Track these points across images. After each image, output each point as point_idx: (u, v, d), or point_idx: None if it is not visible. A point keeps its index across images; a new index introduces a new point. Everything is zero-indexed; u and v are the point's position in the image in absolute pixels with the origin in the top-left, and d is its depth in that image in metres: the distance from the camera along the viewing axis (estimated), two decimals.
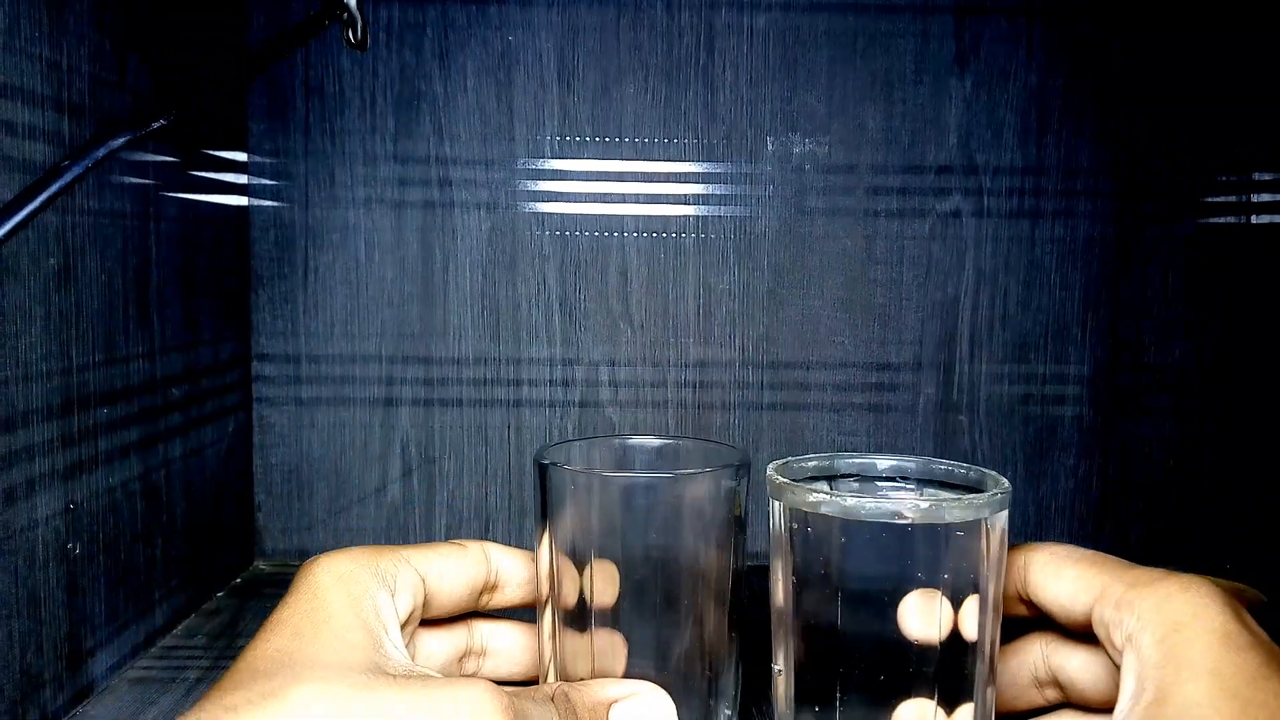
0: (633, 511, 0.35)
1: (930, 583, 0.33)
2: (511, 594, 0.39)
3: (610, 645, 0.36)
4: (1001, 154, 0.62)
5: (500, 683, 0.31)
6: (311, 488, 0.62)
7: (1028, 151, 0.62)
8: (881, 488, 0.39)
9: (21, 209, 0.31)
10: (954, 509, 0.33)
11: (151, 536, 0.49)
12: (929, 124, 0.62)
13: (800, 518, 0.34)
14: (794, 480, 0.36)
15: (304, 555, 0.63)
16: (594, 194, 0.62)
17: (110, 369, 0.45)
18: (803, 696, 0.35)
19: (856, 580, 0.33)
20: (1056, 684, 0.37)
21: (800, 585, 0.34)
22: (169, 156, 0.51)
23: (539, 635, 0.38)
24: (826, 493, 0.34)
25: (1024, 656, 0.37)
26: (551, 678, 0.37)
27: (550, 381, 0.63)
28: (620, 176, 0.62)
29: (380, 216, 0.61)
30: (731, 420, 0.63)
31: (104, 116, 0.43)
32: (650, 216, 0.62)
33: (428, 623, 0.38)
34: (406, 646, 0.34)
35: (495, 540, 0.62)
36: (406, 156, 0.61)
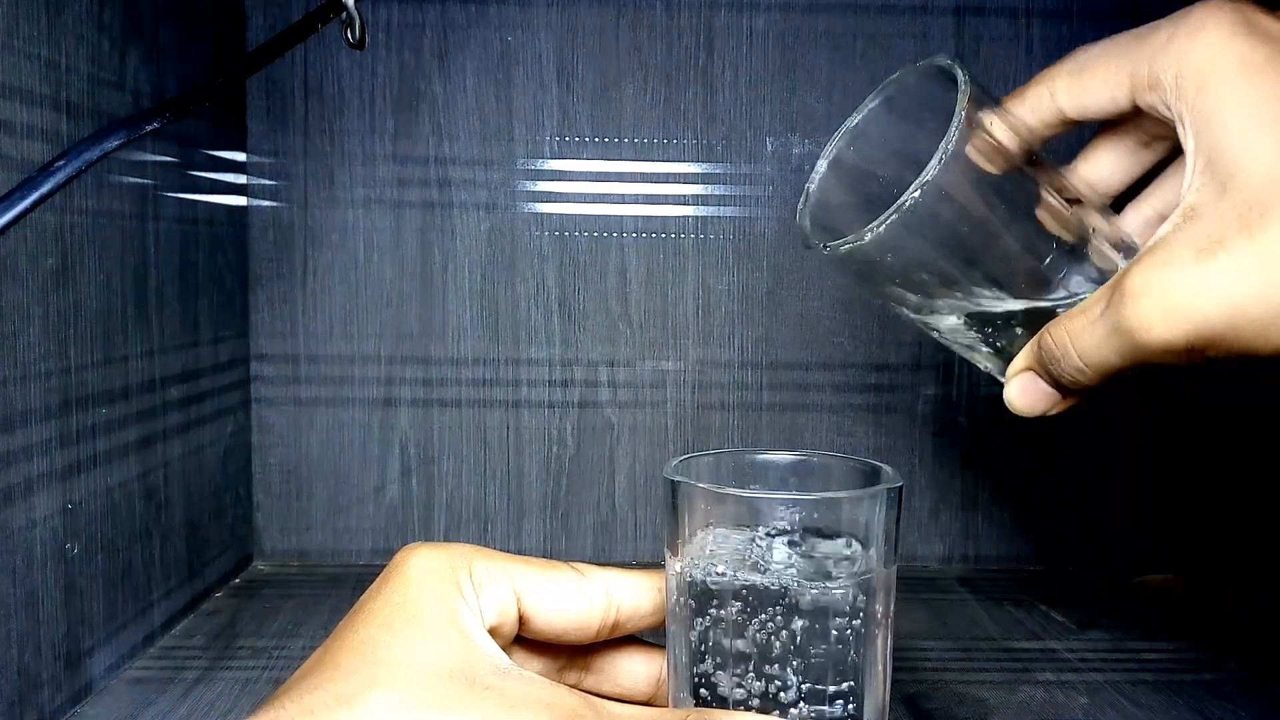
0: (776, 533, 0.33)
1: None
2: (635, 626, 0.36)
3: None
4: None
5: (607, 699, 0.31)
6: (310, 488, 0.62)
7: None
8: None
9: (12, 208, 0.31)
10: (934, 170, 0.33)
11: (150, 537, 0.49)
12: None
13: (843, 261, 0.35)
14: (820, 244, 0.36)
15: (303, 556, 0.62)
16: (593, 194, 0.62)
17: (109, 369, 0.45)
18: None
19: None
20: (1163, 137, 0.37)
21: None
22: (168, 156, 0.51)
23: (668, 660, 0.35)
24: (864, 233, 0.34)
25: (1122, 129, 0.38)
26: (676, 704, 0.35)
27: (549, 382, 0.62)
28: (619, 177, 0.62)
29: (379, 217, 0.61)
30: (731, 421, 0.63)
31: (103, 116, 0.43)
32: (649, 217, 0.62)
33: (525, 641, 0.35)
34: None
35: (496, 540, 0.63)
36: (405, 157, 0.61)
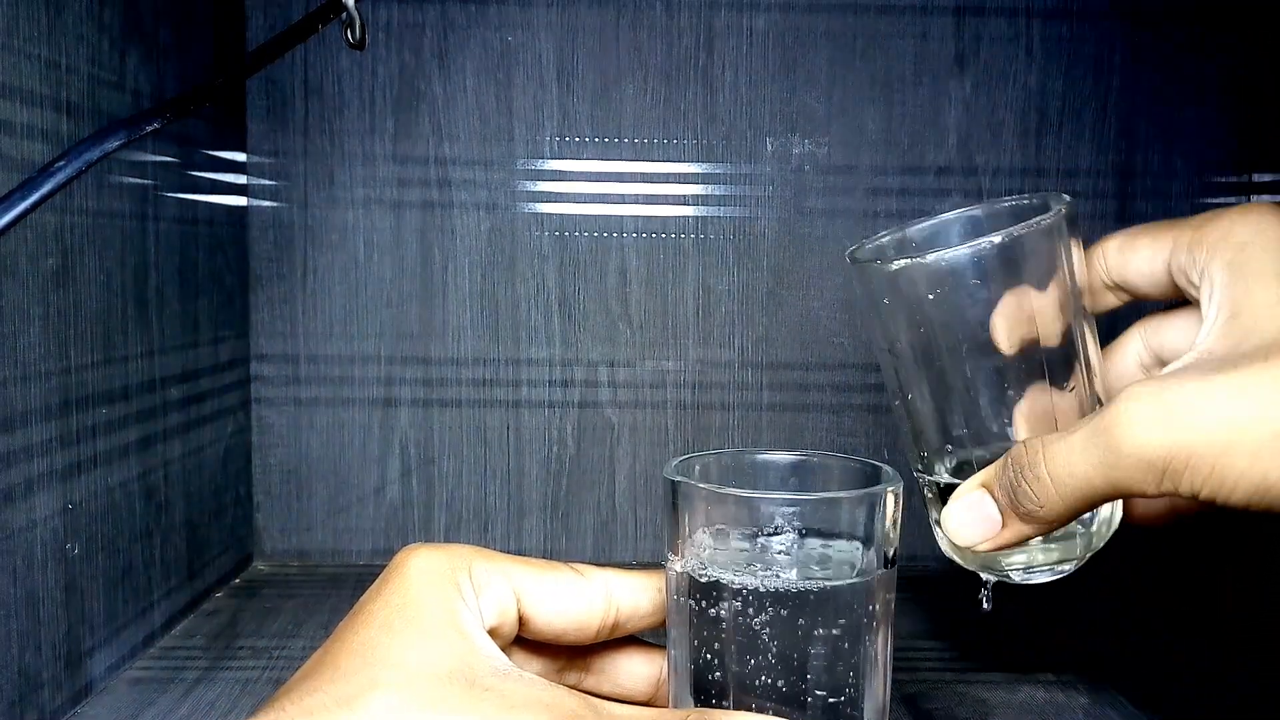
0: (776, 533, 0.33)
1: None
2: (634, 626, 0.36)
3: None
4: (1001, 155, 0.62)
5: (606, 699, 0.31)
6: (310, 488, 0.62)
7: (1027, 152, 0.62)
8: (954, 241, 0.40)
9: (12, 209, 0.31)
10: (1022, 231, 0.35)
11: (150, 537, 0.49)
12: (928, 125, 0.62)
13: (888, 282, 0.36)
14: (872, 259, 0.37)
15: (303, 556, 0.62)
16: (593, 194, 0.62)
17: (109, 369, 0.45)
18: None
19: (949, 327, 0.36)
20: (1161, 362, 0.39)
21: (903, 342, 0.37)
22: (168, 156, 0.51)
23: (668, 660, 0.35)
24: (907, 257, 0.35)
25: (1125, 347, 0.39)
26: (676, 704, 0.35)
27: (549, 382, 0.63)
28: (619, 177, 0.62)
29: (379, 217, 0.61)
30: (731, 421, 0.63)
31: (103, 116, 0.43)
32: (649, 217, 0.62)
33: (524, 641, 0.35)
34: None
35: (496, 540, 0.63)
36: (405, 157, 0.61)
